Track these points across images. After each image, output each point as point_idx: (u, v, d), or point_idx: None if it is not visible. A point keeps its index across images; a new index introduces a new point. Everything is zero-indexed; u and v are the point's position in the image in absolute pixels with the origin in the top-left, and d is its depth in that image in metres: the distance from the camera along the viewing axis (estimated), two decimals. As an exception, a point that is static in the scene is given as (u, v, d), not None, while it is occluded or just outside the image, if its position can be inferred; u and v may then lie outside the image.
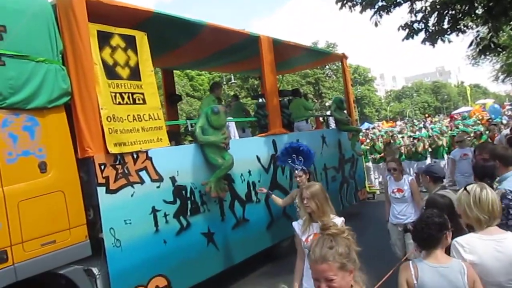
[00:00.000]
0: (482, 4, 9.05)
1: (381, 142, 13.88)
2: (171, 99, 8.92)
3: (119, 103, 4.91)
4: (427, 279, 2.59)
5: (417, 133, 16.14)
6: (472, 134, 11.80)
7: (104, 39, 4.90)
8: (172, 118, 9.03)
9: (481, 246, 2.68)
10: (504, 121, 17.88)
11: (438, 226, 2.70)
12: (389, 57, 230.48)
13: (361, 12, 8.90)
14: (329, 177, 8.98)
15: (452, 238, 2.79)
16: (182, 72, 36.98)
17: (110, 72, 4.88)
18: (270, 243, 7.02)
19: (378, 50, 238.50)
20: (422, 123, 32.18)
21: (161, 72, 9.67)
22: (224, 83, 41.35)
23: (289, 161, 5.58)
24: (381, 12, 8.88)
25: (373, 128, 36.58)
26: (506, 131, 10.69)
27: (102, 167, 4.59)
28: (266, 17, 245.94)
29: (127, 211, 4.78)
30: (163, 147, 5.35)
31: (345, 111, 9.80)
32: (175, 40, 6.60)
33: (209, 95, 7.94)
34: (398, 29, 9.74)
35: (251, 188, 6.72)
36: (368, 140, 15.47)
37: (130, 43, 5.21)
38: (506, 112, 28.22)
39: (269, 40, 7.46)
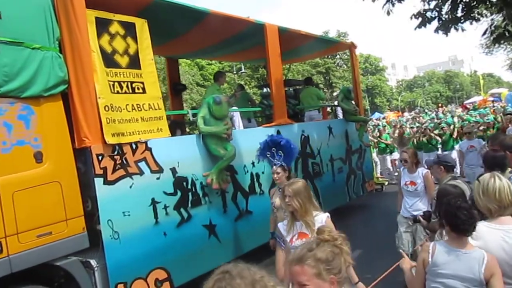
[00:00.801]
0: (497, -8, 8.79)
1: (387, 133, 13.65)
2: (175, 89, 8.78)
3: (118, 92, 4.80)
4: (441, 259, 2.61)
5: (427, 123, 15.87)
6: (481, 125, 11.55)
7: (102, 26, 4.78)
8: (177, 108, 8.92)
9: (489, 234, 2.67)
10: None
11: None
12: (401, 46, 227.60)
13: (373, 0, 8.71)
14: (336, 168, 8.82)
15: (472, 230, 2.76)
16: (192, 62, 36.84)
17: (109, 60, 4.77)
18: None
19: (390, 39, 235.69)
20: (434, 112, 31.69)
21: (165, 61, 9.53)
22: (234, 72, 41.19)
23: (268, 155, 5.16)
24: (393, 0, 8.63)
25: (383, 118, 36.26)
26: None
27: (100, 157, 4.49)
28: (277, 8, 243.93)
29: (126, 202, 4.68)
30: (164, 138, 5.23)
31: (353, 101, 9.59)
32: (177, 28, 6.46)
33: (213, 84, 7.80)
34: (411, 18, 9.51)
35: (255, 179, 6.60)
36: (376, 131, 15.22)
37: (130, 30, 5.08)
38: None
39: (275, 28, 7.28)
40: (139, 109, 5.02)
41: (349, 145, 9.41)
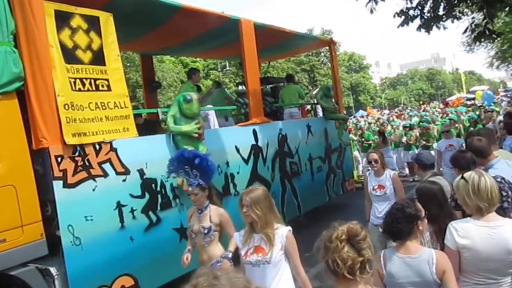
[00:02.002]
0: (478, -9, 8.85)
1: (368, 130, 13.58)
2: (150, 86, 8.51)
3: (79, 90, 4.53)
4: (394, 269, 2.59)
5: (409, 121, 15.91)
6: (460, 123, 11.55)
7: (62, 19, 4.49)
8: (152, 106, 8.64)
9: (475, 231, 2.67)
10: (498, 108, 17.64)
11: (407, 218, 2.67)
12: (385, 44, 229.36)
13: None
14: (315, 167, 8.66)
15: (444, 224, 2.88)
16: (177, 59, 36.50)
17: (69, 55, 4.49)
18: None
19: (374, 37, 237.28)
20: (416, 110, 31.93)
21: (139, 57, 9.24)
22: (219, 70, 40.89)
23: (182, 173, 4.37)
24: None
25: (367, 115, 36.46)
26: (500, 118, 10.43)
27: (59, 159, 4.22)
28: (261, 6, 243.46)
29: (88, 206, 4.43)
30: (130, 138, 4.99)
31: (333, 99, 9.44)
32: (147, 23, 6.19)
33: (187, 82, 7.57)
34: (394, 16, 9.52)
35: (229, 180, 6.39)
36: (357, 129, 15.17)
37: (93, 24, 4.81)
38: (501, 99, 28.04)
39: (251, 24, 7.06)
40: (104, 107, 4.76)
41: (328, 144, 9.26)
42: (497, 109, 16.56)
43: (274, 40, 8.43)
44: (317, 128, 8.86)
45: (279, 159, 7.55)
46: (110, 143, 4.74)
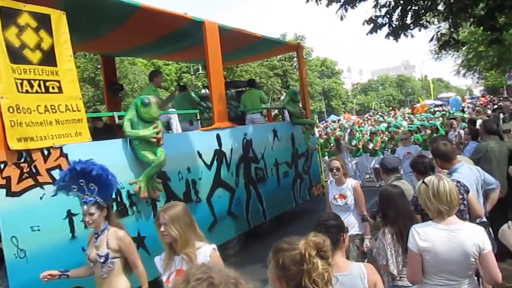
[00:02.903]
0: (443, 1, 9.14)
1: (333, 136, 13.63)
2: (111, 89, 8.22)
3: (27, 92, 4.27)
4: None
5: (377, 126, 16.06)
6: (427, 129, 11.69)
7: (8, 16, 4.22)
8: (114, 110, 8.34)
9: (436, 234, 2.74)
10: (466, 115, 18.03)
11: (336, 229, 2.68)
12: (356, 50, 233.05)
13: (327, 5, 8.83)
14: (281, 172, 8.56)
15: (403, 226, 2.98)
16: (149, 62, 35.96)
17: (16, 55, 4.22)
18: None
19: (346, 43, 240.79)
20: (383, 116, 32.42)
21: (100, 58, 8.93)
22: (192, 73, 40.49)
23: (75, 189, 3.60)
24: (346, 6, 8.77)
25: (339, 120, 36.77)
26: (459, 131, 10.62)
27: (2, 166, 3.96)
28: (237, 9, 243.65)
29: (35, 216, 4.16)
30: (83, 142, 4.74)
31: (300, 104, 9.38)
32: (105, 22, 5.95)
33: (149, 85, 7.31)
34: (363, 24, 9.80)
35: (191, 186, 6.19)
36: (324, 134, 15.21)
37: (44, 22, 4.55)
38: (467, 106, 28.78)
39: (215, 26, 6.90)
40: (54, 110, 4.50)
41: (295, 149, 9.17)
42: (465, 115, 16.90)
43: (240, 44, 8.29)
44: (283, 133, 8.77)
45: (243, 164, 7.41)
46: (60, 148, 4.48)
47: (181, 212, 2.85)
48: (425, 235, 2.76)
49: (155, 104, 5.31)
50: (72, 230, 4.51)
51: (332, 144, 13.09)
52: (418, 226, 2.85)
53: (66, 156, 4.53)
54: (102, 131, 6.88)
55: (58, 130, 4.49)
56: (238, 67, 43.93)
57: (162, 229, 2.79)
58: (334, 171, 4.88)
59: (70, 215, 4.50)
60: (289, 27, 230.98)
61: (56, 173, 4.41)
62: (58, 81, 4.61)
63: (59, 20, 4.69)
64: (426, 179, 2.90)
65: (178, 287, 1.28)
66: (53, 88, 4.54)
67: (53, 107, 4.49)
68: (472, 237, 2.70)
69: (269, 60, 53.49)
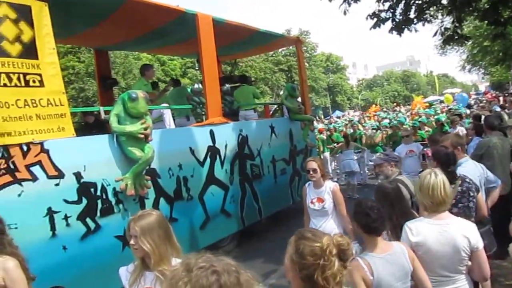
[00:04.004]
0: (447, -6, 9.00)
1: (338, 132, 13.40)
2: (104, 83, 8.05)
3: (5, 85, 4.09)
4: (381, 271, 2.55)
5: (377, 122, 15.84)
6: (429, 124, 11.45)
7: (-14, 8, 4.07)
8: (107, 104, 8.17)
9: (427, 229, 2.78)
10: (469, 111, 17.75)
11: (377, 215, 2.68)
12: (362, 46, 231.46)
13: (330, 0, 8.68)
14: (278, 169, 8.37)
15: (397, 222, 3.00)
16: (154, 57, 35.86)
17: (-7, 47, 4.06)
18: (205, 243, 6.33)
19: (351, 38, 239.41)
20: (391, 111, 32.14)
21: (94, 52, 8.76)
22: (197, 69, 40.32)
23: None
24: (349, 0, 8.68)
25: (343, 116, 36.52)
26: (462, 128, 10.40)
27: (-23, 162, 3.80)
28: (232, 6, 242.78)
29: (12, 213, 3.98)
30: (66, 138, 4.57)
31: (299, 99, 9.17)
32: (92, 15, 5.77)
33: (140, 79, 7.13)
34: (366, 18, 9.69)
35: (182, 183, 6.02)
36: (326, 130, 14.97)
37: (24, 14, 4.37)
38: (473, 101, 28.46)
39: (209, 19, 6.70)
40: (34, 105, 4.33)
41: (293, 145, 8.97)
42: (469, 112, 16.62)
43: (235, 37, 8.10)
44: (281, 129, 8.56)
45: (238, 161, 7.22)
46: (41, 144, 4.32)
47: (155, 222, 2.41)
48: (417, 230, 2.80)
49: (143, 99, 5.13)
50: (53, 228, 4.35)
51: (335, 141, 12.87)
52: (411, 222, 2.89)
53: (47, 152, 4.37)
54: (93, 126, 6.73)
55: (38, 125, 4.33)
56: (243, 62, 43.73)
57: (132, 242, 2.40)
58: (311, 172, 4.44)
59: (50, 212, 4.34)
60: (294, 23, 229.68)
61: (36, 170, 4.27)
62: (40, 75, 4.44)
63: (40, 11, 4.51)
64: (422, 173, 2.98)
65: (178, 277, 1.26)
66: (33, 81, 4.37)
67: (33, 101, 4.33)
68: (463, 232, 2.73)
69: (274, 55, 53.26)
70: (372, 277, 2.52)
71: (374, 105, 38.78)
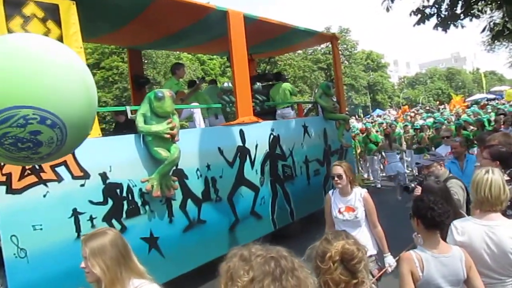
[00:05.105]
0: (496, -12, 8.59)
1: (376, 132, 12.94)
2: (137, 82, 8.05)
3: (31, 85, 4.09)
4: (433, 271, 2.52)
5: (423, 122, 15.24)
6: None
7: (13, 7, 4.06)
8: (140, 104, 8.19)
9: (474, 229, 2.71)
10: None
11: (445, 216, 2.64)
12: (404, 43, 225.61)
13: None
14: (311, 170, 8.11)
15: (448, 222, 2.81)
16: (194, 56, 36.23)
17: (20, 47, 4.05)
18: (234, 246, 6.19)
19: (393, 35, 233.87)
20: (435, 109, 31.01)
21: (127, 51, 8.80)
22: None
23: None
24: None
25: (384, 115, 35.63)
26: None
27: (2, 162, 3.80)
28: (272, 5, 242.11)
29: (37, 214, 3.99)
30: (92, 138, 4.52)
31: (334, 98, 8.87)
32: (121, 14, 5.72)
33: (171, 78, 7.07)
34: (410, 14, 9.49)
35: (210, 185, 5.89)
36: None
37: (52, 13, 4.36)
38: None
39: (240, 16, 6.55)
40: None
41: (327, 145, 8.69)
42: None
43: (268, 35, 7.90)
44: (314, 128, 8.30)
45: (269, 161, 7.02)
46: (66, 144, 4.29)
47: (107, 243, 2.16)
48: (463, 230, 2.74)
49: (170, 98, 5.03)
50: (78, 229, 4.31)
51: (373, 141, 12.43)
52: (458, 221, 2.84)
53: (73, 152, 4.33)
54: (124, 125, 6.71)
55: (64, 125, 4.30)
56: (282, 61, 43.43)
57: (82, 264, 2.18)
58: (336, 178, 3.98)
59: (75, 213, 4.31)
60: (334, 21, 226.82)
61: (61, 170, 4.24)
62: (67, 74, 4.41)
63: (68, 10, 4.49)
64: (477, 170, 2.90)
65: (237, 266, 1.34)
66: (61, 81, 4.34)
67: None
68: (511, 235, 2.64)
69: (312, 53, 52.63)
70: (421, 273, 2.50)
71: (403, 107, 37.81)
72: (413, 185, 3.96)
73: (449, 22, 9.40)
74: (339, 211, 4.02)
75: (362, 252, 1.90)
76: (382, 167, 12.93)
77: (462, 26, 9.52)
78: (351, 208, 3.98)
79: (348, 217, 3.96)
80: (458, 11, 9.39)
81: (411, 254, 2.58)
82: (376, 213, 4.01)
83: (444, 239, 2.75)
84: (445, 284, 2.52)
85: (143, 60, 28.08)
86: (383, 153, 12.08)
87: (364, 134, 13.02)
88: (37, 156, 1.99)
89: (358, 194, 4.01)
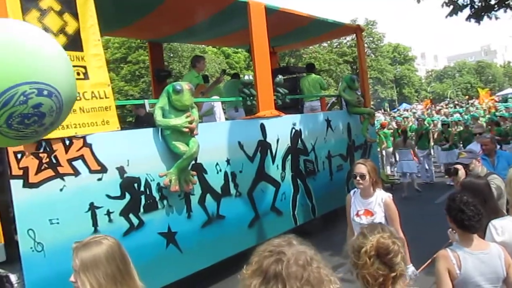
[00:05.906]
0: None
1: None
2: (158, 75, 8.01)
3: (48, 78, 4.06)
4: (470, 268, 2.46)
5: (451, 117, 14.80)
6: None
7: (30, 0, 4.03)
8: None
9: None
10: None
11: (476, 213, 2.56)
12: (432, 35, 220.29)
13: None
14: (334, 166, 7.92)
15: (488, 219, 2.78)
16: (219, 50, 36.22)
17: (37, 40, 4.02)
18: (253, 242, 6.06)
19: (420, 28, 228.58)
20: (464, 104, 30.12)
21: (148, 45, 8.76)
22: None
23: None
24: None
25: (411, 109, 34.80)
26: None
27: (19, 155, 3.77)
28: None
29: (54, 208, 3.97)
30: (109, 132, 4.48)
31: (358, 91, 8.63)
32: (140, 5, 5.65)
33: (191, 71, 6.98)
34: (442, 6, 9.29)
35: (230, 179, 5.78)
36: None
37: (69, 6, 4.31)
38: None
39: (261, 7, 6.39)
40: (78, 98, 4.24)
41: (351, 140, 8.47)
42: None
43: (291, 26, 7.72)
44: (338, 123, 8.09)
45: (291, 156, 6.87)
46: (84, 137, 4.25)
47: (103, 255, 1.82)
48: (502, 229, 2.69)
49: (188, 91, 4.93)
50: (95, 223, 4.28)
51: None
52: (496, 221, 2.78)
53: (90, 146, 4.29)
54: (144, 119, 6.67)
55: (82, 119, 4.26)
56: (307, 54, 42.99)
57: (71, 278, 1.84)
58: (358, 178, 3.68)
59: (93, 207, 4.27)
60: (360, 13, 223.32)
61: (78, 164, 4.20)
62: (84, 67, 4.37)
63: (85, 2, 4.43)
64: None
65: (268, 258, 1.36)
66: (78, 74, 4.29)
67: (77, 94, 4.25)
68: None
69: (338, 46, 51.91)
70: (459, 271, 2.44)
71: (425, 100, 37.11)
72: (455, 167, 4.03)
73: (482, 13, 9.15)
74: (357, 214, 3.77)
75: (397, 245, 1.87)
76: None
77: (496, 18, 9.30)
78: (370, 212, 3.70)
79: (365, 221, 3.62)
80: (493, 1, 9.14)
81: (448, 252, 2.52)
82: (398, 220, 3.70)
83: (483, 238, 2.69)
84: (484, 282, 2.46)
85: (169, 54, 28.30)
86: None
87: (395, 129, 12.68)
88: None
89: (380, 198, 3.71)
